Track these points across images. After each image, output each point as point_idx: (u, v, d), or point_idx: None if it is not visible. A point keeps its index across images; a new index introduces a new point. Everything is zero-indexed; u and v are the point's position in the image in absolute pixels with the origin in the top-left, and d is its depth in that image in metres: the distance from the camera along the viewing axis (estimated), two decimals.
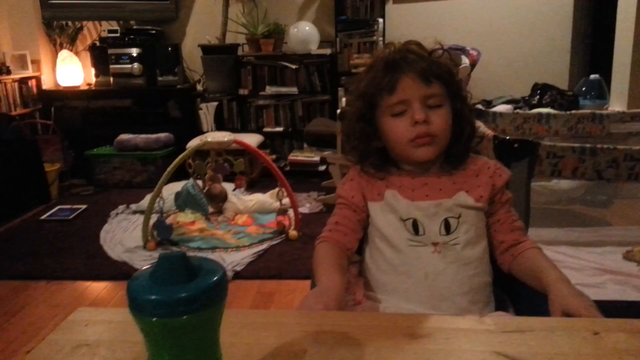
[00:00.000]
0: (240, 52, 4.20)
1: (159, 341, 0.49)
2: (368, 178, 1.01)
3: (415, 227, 0.93)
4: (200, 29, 4.31)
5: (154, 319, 0.47)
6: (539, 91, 3.21)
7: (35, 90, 4.24)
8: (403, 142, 0.95)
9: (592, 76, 3.16)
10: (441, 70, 0.95)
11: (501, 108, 2.86)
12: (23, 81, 4.10)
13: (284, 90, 4.10)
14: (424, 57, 0.95)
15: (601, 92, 3.10)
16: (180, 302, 0.47)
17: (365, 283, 0.99)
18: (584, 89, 3.19)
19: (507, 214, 0.99)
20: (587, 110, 2.40)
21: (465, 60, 3.51)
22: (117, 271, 2.47)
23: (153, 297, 0.47)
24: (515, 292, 0.97)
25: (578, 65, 3.95)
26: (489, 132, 1.64)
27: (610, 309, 0.86)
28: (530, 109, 2.97)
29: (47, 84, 4.36)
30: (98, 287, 2.36)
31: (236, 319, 0.68)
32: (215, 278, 0.50)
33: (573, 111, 2.39)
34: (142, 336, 0.50)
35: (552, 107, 2.87)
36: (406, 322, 0.69)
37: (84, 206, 3.42)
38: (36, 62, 4.27)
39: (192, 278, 0.49)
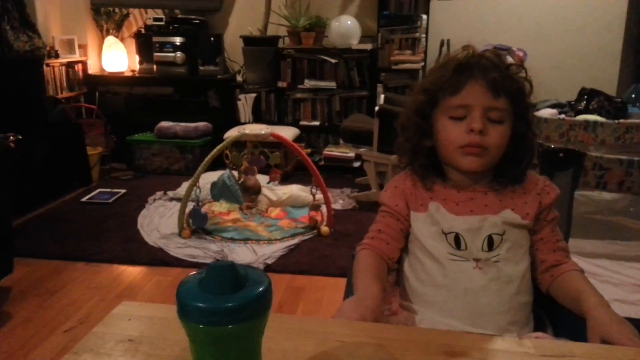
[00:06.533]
0: (280, 45, 4.21)
1: (204, 346, 0.51)
2: (413, 187, 0.99)
3: (457, 241, 0.92)
4: (242, 20, 4.35)
5: (201, 326, 0.49)
6: (585, 96, 3.10)
7: (81, 74, 4.36)
8: (453, 147, 0.93)
9: None
10: (513, 86, 0.92)
11: (546, 112, 2.78)
12: (70, 65, 4.22)
13: (322, 84, 4.10)
14: (498, 68, 0.92)
15: None
16: (227, 312, 0.48)
17: (401, 292, 0.99)
18: (633, 95, 3.07)
19: (551, 233, 0.96)
20: (636, 120, 2.32)
21: (511, 61, 3.43)
22: (153, 256, 2.53)
23: (201, 305, 0.48)
24: (555, 312, 0.95)
25: (628, 71, 3.81)
26: None
27: None
28: (576, 114, 2.88)
29: (92, 69, 4.48)
30: (134, 272, 2.42)
31: (274, 324, 0.69)
32: (260, 289, 0.51)
33: (621, 120, 2.31)
34: (185, 336, 0.51)
35: (599, 114, 2.78)
36: (443, 338, 0.68)
37: (123, 190, 3.51)
38: (83, 47, 4.39)
39: (239, 288, 0.50)
